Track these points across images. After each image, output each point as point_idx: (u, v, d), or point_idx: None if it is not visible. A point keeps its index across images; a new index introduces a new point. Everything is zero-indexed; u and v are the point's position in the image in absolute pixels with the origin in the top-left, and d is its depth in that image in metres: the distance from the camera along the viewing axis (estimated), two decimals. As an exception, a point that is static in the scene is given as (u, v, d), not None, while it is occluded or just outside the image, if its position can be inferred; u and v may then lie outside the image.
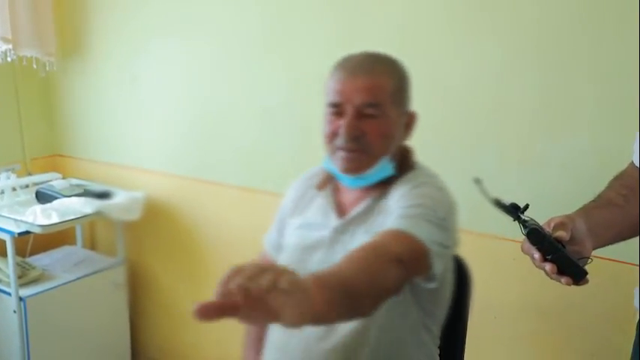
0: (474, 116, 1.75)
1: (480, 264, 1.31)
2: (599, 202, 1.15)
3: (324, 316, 0.86)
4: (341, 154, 1.20)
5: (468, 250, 1.33)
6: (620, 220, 1.12)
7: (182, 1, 2.25)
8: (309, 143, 1.97)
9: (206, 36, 2.22)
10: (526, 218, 1.03)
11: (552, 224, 1.03)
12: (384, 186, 1.23)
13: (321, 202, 1.31)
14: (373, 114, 1.18)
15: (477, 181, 1.09)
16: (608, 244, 1.14)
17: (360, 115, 1.17)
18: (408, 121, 1.26)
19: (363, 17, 1.88)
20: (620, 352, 1.54)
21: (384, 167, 1.22)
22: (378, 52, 1.27)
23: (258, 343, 1.40)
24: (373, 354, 1.19)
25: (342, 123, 1.17)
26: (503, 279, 1.32)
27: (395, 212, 1.16)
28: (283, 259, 1.32)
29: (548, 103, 1.64)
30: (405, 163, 1.27)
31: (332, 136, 1.20)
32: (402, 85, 1.24)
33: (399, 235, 1.08)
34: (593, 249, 1.08)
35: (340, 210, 1.28)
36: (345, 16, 1.91)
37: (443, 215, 1.16)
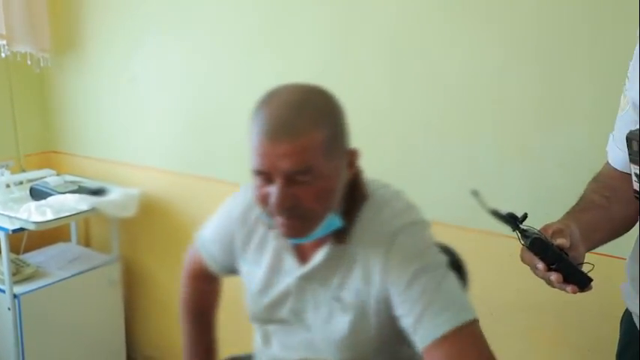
0: (472, 112, 1.75)
1: (477, 260, 1.32)
2: (584, 206, 1.14)
3: None
4: (278, 220, 1.07)
5: (464, 247, 1.33)
6: (605, 222, 1.12)
7: (177, 3, 2.25)
8: None
9: (202, 33, 2.22)
10: (525, 227, 1.00)
11: (550, 231, 1.01)
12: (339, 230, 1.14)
13: (275, 244, 1.21)
14: (305, 180, 1.02)
15: (475, 193, 1.05)
16: (596, 247, 1.13)
17: (291, 180, 1.02)
18: (350, 160, 1.12)
19: (358, 13, 1.88)
20: (614, 346, 1.54)
21: (329, 223, 1.10)
22: (304, 89, 1.10)
23: (194, 318, 1.45)
24: None
25: (272, 191, 1.03)
26: (500, 275, 1.32)
27: (408, 290, 1.07)
28: (252, 306, 1.25)
29: (546, 99, 1.64)
30: (356, 198, 1.16)
31: (263, 202, 1.05)
32: (335, 131, 1.06)
33: (461, 340, 1.03)
34: (588, 251, 1.07)
35: (299, 253, 1.18)
36: (340, 12, 1.91)
37: (435, 257, 1.11)
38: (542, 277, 0.99)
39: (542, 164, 1.67)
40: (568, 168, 1.61)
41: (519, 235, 0.99)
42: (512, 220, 0.99)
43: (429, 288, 1.05)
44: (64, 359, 2.38)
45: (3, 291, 2.18)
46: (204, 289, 1.44)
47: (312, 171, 1.01)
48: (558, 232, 1.00)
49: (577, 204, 1.15)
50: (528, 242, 0.98)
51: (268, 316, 1.23)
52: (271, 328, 1.24)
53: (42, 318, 2.28)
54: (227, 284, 1.47)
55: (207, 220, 2.37)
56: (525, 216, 1.00)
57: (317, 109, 1.04)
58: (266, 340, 1.26)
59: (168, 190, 2.45)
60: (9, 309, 2.17)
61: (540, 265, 0.97)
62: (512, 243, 1.70)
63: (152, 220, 2.48)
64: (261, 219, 1.17)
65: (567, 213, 1.12)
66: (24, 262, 2.33)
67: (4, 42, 2.34)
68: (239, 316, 1.46)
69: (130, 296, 2.61)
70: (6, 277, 2.15)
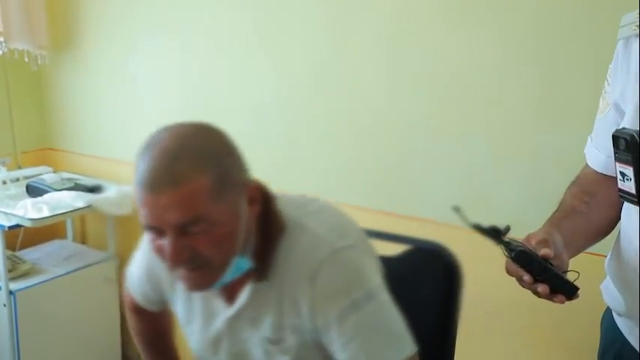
0: (469, 111, 1.75)
1: (471, 260, 1.32)
2: (564, 212, 1.14)
3: None
4: (179, 272, 1.00)
5: (459, 247, 1.33)
6: (585, 228, 1.12)
7: (174, 2, 2.25)
8: (299, 139, 1.98)
9: (199, 32, 2.21)
10: (508, 240, 0.98)
11: (534, 242, 1.01)
12: (257, 261, 1.06)
13: None
14: (199, 230, 0.94)
15: (456, 209, 1.02)
16: (579, 253, 1.13)
17: (183, 232, 0.94)
18: (252, 197, 1.03)
19: (354, 15, 1.88)
20: (589, 338, 1.55)
21: (237, 267, 1.03)
22: (183, 129, 1.01)
23: (150, 347, 1.38)
24: None
25: (165, 248, 0.95)
26: (495, 275, 1.31)
27: (339, 331, 1.01)
28: (194, 351, 1.20)
29: (544, 99, 1.64)
30: (269, 231, 1.07)
31: (160, 255, 0.97)
32: (222, 171, 0.97)
33: None
34: (570, 258, 1.07)
35: (225, 293, 1.11)
36: (337, 13, 1.91)
37: (366, 285, 1.03)
38: (528, 289, 0.98)
39: (539, 164, 1.67)
40: (565, 168, 1.56)
41: (503, 248, 0.98)
42: (495, 234, 0.98)
43: (363, 326, 1.01)
44: (60, 356, 2.37)
45: None
46: (147, 320, 1.35)
47: (203, 219, 0.93)
48: (542, 243, 1.00)
49: (557, 210, 1.15)
50: (513, 255, 0.97)
51: (212, 356, 1.17)
52: None
53: (37, 315, 2.27)
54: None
55: None
56: (508, 228, 0.98)
57: (197, 153, 0.95)
58: None
59: None
60: (4, 305, 2.17)
61: (526, 277, 0.97)
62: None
63: None
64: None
65: (548, 220, 1.12)
66: (20, 259, 2.33)
67: (2, 39, 2.34)
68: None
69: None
70: (1, 273, 2.15)
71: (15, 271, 2.25)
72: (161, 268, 1.13)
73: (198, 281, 0.99)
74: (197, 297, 1.13)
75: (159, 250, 0.96)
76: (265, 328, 1.07)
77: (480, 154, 1.74)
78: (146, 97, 2.41)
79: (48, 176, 2.46)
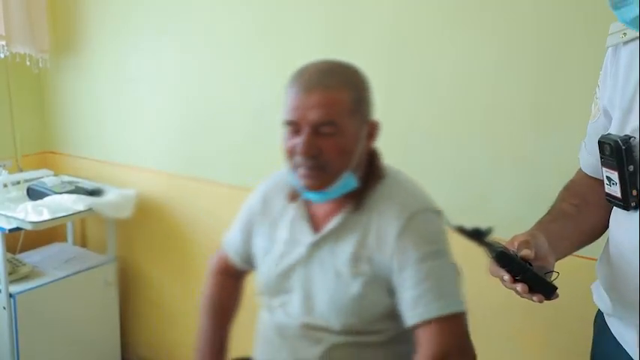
0: (467, 115, 1.75)
1: (469, 264, 1.32)
2: (554, 215, 1.16)
3: None
4: (300, 171, 1.18)
5: (456, 250, 1.34)
6: (574, 231, 1.14)
7: (175, 2, 2.25)
8: None
9: (199, 35, 2.21)
10: (490, 242, 1.02)
11: (516, 243, 1.04)
12: (356, 197, 1.22)
13: (292, 216, 1.29)
14: (329, 132, 1.14)
15: (438, 213, 1.16)
16: (567, 255, 1.16)
17: (316, 132, 1.14)
18: (370, 131, 1.22)
19: (354, 16, 1.87)
20: (579, 338, 1.57)
21: (346, 182, 1.19)
22: (335, 61, 1.21)
23: (214, 312, 1.46)
24: None
25: (299, 141, 1.14)
26: (491, 278, 1.33)
27: (411, 272, 1.16)
28: (263, 278, 1.31)
29: (541, 103, 1.64)
30: (373, 172, 1.25)
31: (290, 153, 1.17)
32: (361, 96, 1.19)
33: (450, 329, 1.14)
34: (556, 261, 1.09)
35: (314, 223, 1.26)
36: (337, 14, 1.90)
37: (445, 246, 1.20)
38: (509, 288, 1.02)
39: (537, 168, 1.66)
40: (563, 172, 1.57)
41: (485, 249, 1.01)
42: (478, 235, 1.02)
43: (435, 272, 1.15)
44: (59, 359, 2.37)
45: None
46: (227, 285, 1.47)
47: (336, 125, 1.13)
48: (523, 244, 1.03)
49: (547, 213, 1.17)
50: (494, 255, 1.00)
51: (278, 286, 1.27)
52: (277, 302, 1.28)
53: (37, 317, 2.27)
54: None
55: (203, 221, 2.34)
56: (490, 230, 1.02)
57: (346, 75, 1.17)
58: (271, 312, 1.30)
59: (164, 191, 2.45)
60: (4, 308, 2.17)
61: (506, 277, 1.01)
62: None
63: (148, 221, 2.48)
64: (291, 189, 1.27)
65: (537, 223, 1.14)
66: (20, 262, 2.32)
67: (3, 43, 2.34)
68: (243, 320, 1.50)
69: (126, 297, 2.60)
70: (2, 276, 2.15)
71: (15, 274, 2.25)
72: (258, 208, 1.34)
73: (316, 179, 1.16)
74: (284, 230, 1.28)
75: (291, 149, 1.16)
76: (343, 255, 1.19)
77: (478, 157, 1.73)
78: (147, 100, 2.41)
79: (49, 179, 2.45)
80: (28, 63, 2.47)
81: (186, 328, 2.40)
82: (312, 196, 1.22)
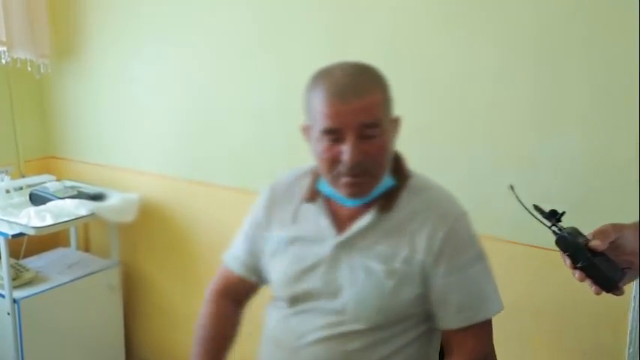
0: (467, 116, 1.75)
1: None
2: None
3: None
4: (345, 180, 1.17)
5: None
6: None
7: (175, 4, 2.25)
8: (301, 144, 1.95)
9: (200, 38, 2.22)
10: (560, 226, 1.04)
11: (593, 232, 1.02)
12: (384, 196, 1.22)
13: (313, 214, 1.28)
14: (373, 134, 1.14)
15: (511, 188, 1.12)
16: None
17: (360, 137, 1.14)
18: (395, 127, 1.24)
19: (355, 18, 1.87)
20: (610, 350, 1.64)
21: (385, 182, 1.22)
22: (357, 63, 1.21)
23: (209, 342, 1.37)
24: None
25: (344, 149, 1.14)
26: (499, 280, 1.33)
27: (451, 285, 1.19)
28: (280, 282, 1.29)
29: (541, 104, 1.64)
30: (400, 171, 1.27)
31: (333, 163, 1.16)
32: (388, 94, 1.21)
33: (479, 335, 1.20)
34: None
35: (338, 223, 1.25)
36: (337, 17, 1.91)
37: (482, 247, 1.24)
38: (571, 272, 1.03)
39: (536, 169, 1.67)
40: (562, 173, 1.62)
41: (553, 231, 1.04)
42: (551, 217, 1.05)
43: (480, 276, 1.20)
44: None
45: (2, 296, 2.18)
46: (226, 312, 1.40)
47: (379, 125, 1.14)
48: (598, 234, 1.02)
49: None
50: (555, 239, 1.02)
51: (297, 289, 1.25)
52: (294, 310, 1.27)
53: (41, 323, 2.27)
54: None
55: (206, 224, 2.34)
56: (563, 213, 1.04)
57: (373, 75, 1.19)
58: (288, 321, 1.28)
59: (167, 195, 2.45)
60: (8, 314, 2.17)
61: (567, 262, 1.01)
62: (512, 248, 1.69)
63: (151, 225, 2.48)
64: (308, 191, 1.28)
65: None
66: (23, 267, 2.32)
67: (4, 48, 2.34)
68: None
69: (130, 301, 2.61)
70: (5, 281, 2.15)
71: (19, 280, 2.25)
72: (264, 214, 1.34)
73: (361, 187, 1.17)
74: (302, 224, 1.27)
75: (333, 158, 1.15)
76: (375, 254, 1.20)
77: (480, 159, 1.74)
78: (148, 103, 2.42)
79: (51, 184, 2.45)
80: (29, 68, 2.48)
81: (190, 330, 2.38)
82: (351, 202, 1.22)
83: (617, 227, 1.03)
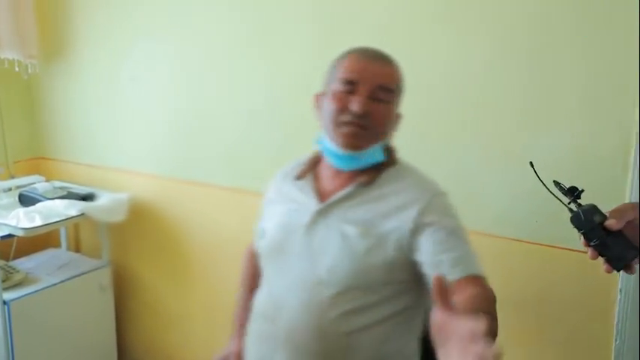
0: (458, 115, 1.76)
1: None
2: None
3: None
4: (346, 129, 1.25)
5: None
6: None
7: (166, 4, 2.25)
8: (291, 143, 1.99)
9: (191, 39, 2.22)
10: (578, 203, 1.06)
11: (611, 210, 1.04)
12: (369, 173, 1.29)
13: (300, 190, 1.36)
14: (383, 99, 1.25)
15: (531, 165, 1.16)
16: None
17: (372, 96, 1.23)
18: (398, 119, 1.34)
19: (344, 18, 1.88)
20: (591, 338, 1.67)
21: (377, 151, 1.29)
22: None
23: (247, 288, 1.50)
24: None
25: (355, 99, 1.23)
26: (489, 276, 1.35)
27: (440, 245, 1.22)
28: (264, 245, 1.38)
29: (530, 103, 1.66)
30: (390, 156, 1.34)
31: (340, 110, 1.24)
32: (402, 84, 1.32)
33: (481, 284, 1.20)
34: None
35: (321, 196, 1.32)
36: (326, 18, 1.91)
37: (459, 220, 1.29)
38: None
39: (524, 165, 1.65)
40: (552, 169, 1.59)
41: (569, 208, 1.06)
42: (571, 193, 1.07)
43: (466, 243, 1.25)
44: None
45: None
46: (255, 264, 1.50)
47: (391, 93, 1.27)
48: (614, 213, 1.03)
49: None
50: (570, 217, 1.04)
51: (280, 248, 1.32)
52: (274, 268, 1.35)
53: (32, 324, 2.26)
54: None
55: (196, 223, 2.34)
56: (582, 190, 1.07)
57: (396, 62, 1.31)
58: (271, 285, 1.35)
59: (156, 194, 2.46)
60: None
61: (581, 240, 1.04)
62: (497, 243, 1.70)
63: (141, 224, 2.49)
64: (300, 170, 1.38)
65: None
66: (13, 269, 2.32)
67: None
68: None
69: (121, 301, 2.61)
70: None
71: (8, 281, 2.24)
72: (272, 190, 1.44)
73: (358, 137, 1.25)
74: (292, 197, 1.36)
75: (343, 105, 1.24)
76: (353, 219, 1.26)
77: (469, 155, 1.75)
78: (137, 103, 2.42)
79: (40, 185, 2.46)
80: (17, 69, 2.48)
81: (182, 330, 2.41)
82: (340, 159, 1.29)
83: (633, 206, 1.04)
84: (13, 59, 2.44)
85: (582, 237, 1.04)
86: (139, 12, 2.32)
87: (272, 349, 1.31)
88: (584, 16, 1.55)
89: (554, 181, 1.08)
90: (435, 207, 1.26)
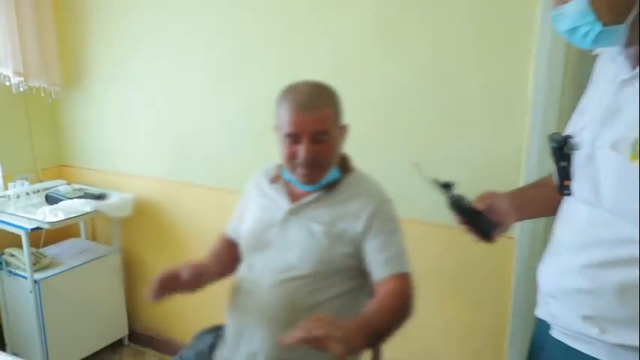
0: (391, 127, 1.80)
1: (409, 237, 1.38)
2: (535, 183, 1.20)
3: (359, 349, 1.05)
4: (300, 170, 1.26)
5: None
6: (544, 198, 1.12)
7: (161, 46, 2.27)
8: (262, 148, 2.00)
9: (181, 68, 2.24)
10: (456, 193, 1.11)
11: (476, 197, 1.11)
12: (330, 183, 1.32)
13: (275, 191, 1.37)
14: (324, 139, 1.24)
15: (417, 166, 1.18)
16: (536, 217, 1.22)
17: (313, 140, 1.23)
18: (343, 132, 1.33)
19: (302, 49, 1.91)
20: (497, 300, 1.73)
21: (332, 174, 1.31)
22: (317, 82, 1.29)
23: (216, 257, 1.47)
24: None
25: (300, 148, 1.23)
26: (417, 252, 1.38)
27: (380, 239, 1.25)
28: (246, 234, 1.38)
29: (446, 115, 1.69)
30: (345, 167, 1.36)
31: (292, 157, 1.25)
32: (338, 109, 1.30)
33: (406, 281, 1.23)
34: (522, 219, 1.18)
35: (292, 197, 1.34)
36: (289, 47, 1.94)
37: (399, 223, 1.31)
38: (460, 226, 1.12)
39: (443, 165, 1.66)
40: (462, 167, 1.67)
41: (446, 198, 1.11)
42: (445, 187, 1.12)
43: (399, 243, 1.28)
44: (77, 331, 2.41)
45: (25, 277, 2.24)
46: (229, 242, 1.50)
47: (327, 133, 1.25)
48: (479, 198, 1.12)
49: (534, 181, 1.21)
50: (447, 203, 1.11)
51: (258, 241, 1.33)
52: (254, 259, 1.34)
53: (58, 298, 2.31)
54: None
55: (187, 216, 2.35)
56: (453, 183, 1.12)
57: (328, 94, 1.28)
58: (250, 267, 1.35)
59: (156, 193, 2.45)
60: (31, 292, 2.24)
61: (457, 219, 1.12)
62: (424, 228, 1.75)
63: (145, 218, 2.49)
64: (274, 175, 1.37)
65: (519, 187, 1.21)
66: (42, 255, 2.37)
67: (22, 79, 2.37)
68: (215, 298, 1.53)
69: (129, 279, 2.62)
70: (27, 266, 2.21)
71: (38, 264, 2.30)
72: (250, 190, 1.42)
73: (313, 177, 1.28)
74: (267, 198, 1.36)
75: (292, 154, 1.25)
76: (319, 220, 1.28)
77: (397, 161, 1.78)
78: (140, 121, 2.43)
79: (62, 187, 2.48)
80: (42, 94, 2.49)
81: (179, 301, 2.17)
82: (305, 187, 1.31)
83: (493, 194, 1.13)
84: (40, 87, 2.45)
85: (457, 216, 1.11)
86: (141, 49, 2.33)
87: (250, 319, 1.31)
88: (482, 46, 1.59)
89: (433, 179, 1.12)
90: (380, 213, 1.27)
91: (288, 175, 1.33)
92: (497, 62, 1.59)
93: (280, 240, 1.31)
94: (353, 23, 1.81)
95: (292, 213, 1.31)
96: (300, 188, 1.33)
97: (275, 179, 1.38)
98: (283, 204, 1.33)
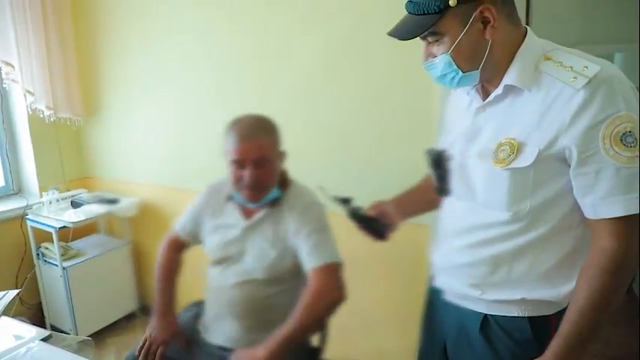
0: (334, 141, 1.86)
1: (340, 229, 1.37)
2: (411, 189, 1.23)
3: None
4: (245, 192, 1.26)
5: (335, 223, 1.40)
6: (424, 200, 1.16)
7: (160, 78, 2.35)
8: None
9: (174, 95, 2.31)
10: (354, 205, 1.13)
11: (369, 206, 1.15)
12: (274, 199, 1.32)
13: (231, 209, 1.35)
14: (264, 165, 1.24)
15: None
16: (417, 215, 1.20)
17: (256, 166, 1.23)
18: (282, 157, 1.32)
19: (269, 78, 1.97)
20: (414, 278, 1.75)
21: (273, 193, 1.30)
22: (257, 115, 1.28)
23: (165, 274, 1.43)
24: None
25: (245, 173, 1.23)
26: (352, 242, 1.37)
27: (305, 237, 1.22)
28: (209, 251, 1.36)
29: (382, 130, 1.74)
30: (285, 183, 1.35)
31: (238, 180, 1.25)
32: (277, 138, 1.28)
33: (328, 273, 1.19)
34: (405, 219, 1.18)
35: (245, 214, 1.33)
36: (264, 67, 1.99)
37: (327, 223, 1.28)
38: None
39: (378, 172, 1.78)
40: (395, 173, 1.71)
41: (345, 210, 1.13)
42: (343, 202, 1.14)
43: (324, 237, 1.25)
44: (98, 306, 2.51)
45: (56, 265, 2.37)
46: (173, 257, 1.45)
47: (269, 160, 1.24)
48: (371, 207, 1.16)
49: (411, 187, 1.22)
50: (347, 214, 1.14)
51: (221, 255, 1.33)
52: (221, 267, 1.34)
53: (82, 282, 2.44)
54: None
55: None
56: (351, 198, 1.13)
57: (268, 125, 1.27)
58: (219, 274, 1.36)
59: (158, 197, 2.54)
60: (61, 277, 2.37)
61: (356, 226, 1.15)
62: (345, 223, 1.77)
63: (149, 218, 2.57)
64: (228, 194, 1.32)
65: (399, 193, 1.22)
66: (70, 247, 2.51)
67: (52, 112, 2.51)
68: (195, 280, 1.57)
69: (138, 265, 2.70)
70: (57, 257, 2.36)
71: (66, 255, 2.44)
72: (206, 202, 1.36)
73: (257, 197, 1.26)
74: (224, 217, 1.32)
75: (238, 179, 1.23)
76: (267, 235, 1.28)
77: (343, 170, 1.85)
78: (144, 143, 2.54)
79: (84, 195, 2.60)
80: (69, 123, 2.64)
81: (180, 283, 2.41)
82: (251, 204, 1.30)
83: (381, 203, 1.16)
84: (67, 117, 2.59)
85: (355, 223, 1.14)
86: (143, 82, 2.42)
87: (221, 311, 1.34)
88: (402, 73, 1.63)
89: (333, 197, 1.13)
90: (308, 213, 1.26)
91: (237, 195, 1.32)
92: (421, 90, 1.62)
93: (239, 253, 1.32)
94: (305, 66, 1.88)
95: (247, 230, 1.31)
96: (248, 205, 1.32)
97: (229, 198, 1.35)
98: (239, 222, 1.32)
